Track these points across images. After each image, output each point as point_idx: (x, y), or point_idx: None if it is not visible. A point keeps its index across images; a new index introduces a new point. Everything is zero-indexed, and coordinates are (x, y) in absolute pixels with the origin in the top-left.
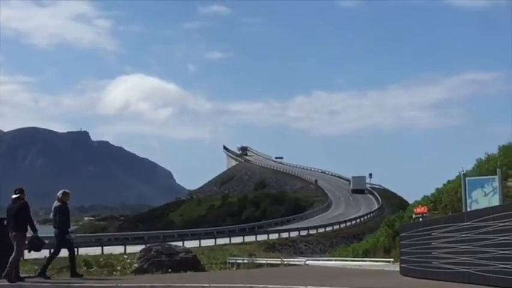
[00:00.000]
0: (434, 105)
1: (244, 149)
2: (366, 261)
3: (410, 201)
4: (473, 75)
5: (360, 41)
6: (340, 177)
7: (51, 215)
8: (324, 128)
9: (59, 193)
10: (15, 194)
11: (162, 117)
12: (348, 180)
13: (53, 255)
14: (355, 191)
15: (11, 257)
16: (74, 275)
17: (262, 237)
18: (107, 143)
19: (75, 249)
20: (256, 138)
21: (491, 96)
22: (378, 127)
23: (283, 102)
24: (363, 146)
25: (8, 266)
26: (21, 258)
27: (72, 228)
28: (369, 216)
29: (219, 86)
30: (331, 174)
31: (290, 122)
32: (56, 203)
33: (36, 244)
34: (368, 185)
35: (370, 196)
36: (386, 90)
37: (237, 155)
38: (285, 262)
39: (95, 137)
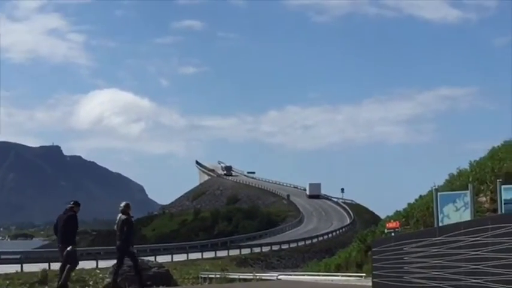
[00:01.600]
0: (406, 121)
1: (229, 169)
2: (338, 275)
3: (383, 216)
4: (446, 90)
5: (333, 56)
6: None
7: (115, 227)
8: (297, 143)
9: (122, 205)
10: (70, 204)
11: (135, 132)
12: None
13: (119, 268)
14: (311, 197)
15: (67, 268)
16: (142, 286)
17: (234, 252)
18: (79, 157)
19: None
20: (229, 153)
21: (464, 111)
22: (351, 142)
23: (256, 117)
24: (335, 161)
25: (64, 276)
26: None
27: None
28: (341, 231)
29: (193, 101)
30: (303, 189)
31: (263, 137)
32: (121, 216)
33: (72, 258)
34: (340, 200)
35: (342, 211)
36: (360, 105)
37: (221, 175)
38: (257, 277)
39: (67, 151)
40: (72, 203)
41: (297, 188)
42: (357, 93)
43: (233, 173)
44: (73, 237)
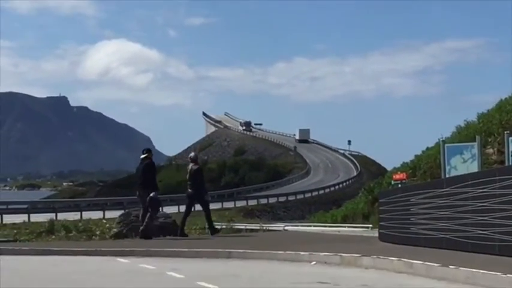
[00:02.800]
0: (415, 73)
1: (248, 124)
2: (344, 227)
3: (389, 168)
4: (454, 42)
5: (341, 8)
6: (319, 143)
7: (186, 176)
8: (305, 95)
9: (193, 155)
10: (143, 154)
11: (142, 83)
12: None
13: (187, 215)
14: (301, 141)
15: (148, 215)
16: (213, 232)
17: (241, 204)
18: (86, 108)
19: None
20: (236, 105)
21: (472, 64)
22: (358, 94)
23: (263, 69)
24: (343, 113)
25: (144, 223)
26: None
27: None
28: (347, 182)
29: (200, 52)
30: (313, 142)
31: (270, 89)
32: (193, 166)
33: (155, 203)
34: (347, 152)
35: (349, 163)
36: (367, 57)
37: (242, 131)
38: (264, 227)
39: (74, 102)
40: (145, 151)
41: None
42: (364, 45)
43: (252, 129)
44: (154, 184)
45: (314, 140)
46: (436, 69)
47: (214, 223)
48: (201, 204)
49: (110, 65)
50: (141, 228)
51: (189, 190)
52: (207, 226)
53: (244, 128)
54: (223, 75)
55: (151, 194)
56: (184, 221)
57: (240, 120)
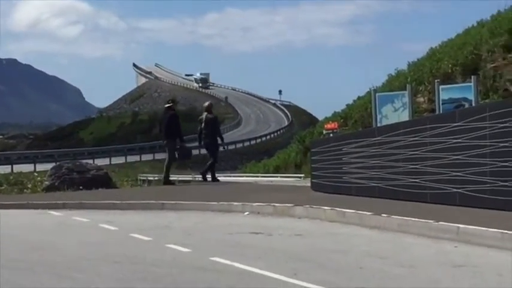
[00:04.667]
0: (346, 22)
1: (205, 81)
2: (277, 176)
3: (320, 118)
4: None
5: None
6: (250, 94)
7: (202, 126)
8: (236, 45)
9: (207, 104)
10: (168, 103)
11: (73, 34)
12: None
13: (214, 163)
14: (202, 87)
15: (165, 163)
16: (214, 179)
17: None
18: (15, 60)
19: None
20: (168, 56)
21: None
22: (290, 44)
23: (195, 19)
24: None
25: (164, 170)
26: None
27: None
28: (278, 132)
29: (131, 3)
30: (242, 91)
31: (202, 39)
32: (207, 115)
33: (185, 153)
34: (278, 102)
35: (280, 113)
36: (298, 6)
37: (199, 87)
38: (197, 179)
39: (2, 54)
40: (170, 101)
41: (234, 90)
42: None
43: (210, 86)
44: (180, 134)
45: (213, 84)
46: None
47: (146, 175)
48: (213, 152)
49: (40, 16)
50: (201, 171)
51: (206, 140)
52: (208, 175)
53: (200, 85)
54: (154, 26)
55: (182, 144)
56: (212, 171)
57: (195, 76)
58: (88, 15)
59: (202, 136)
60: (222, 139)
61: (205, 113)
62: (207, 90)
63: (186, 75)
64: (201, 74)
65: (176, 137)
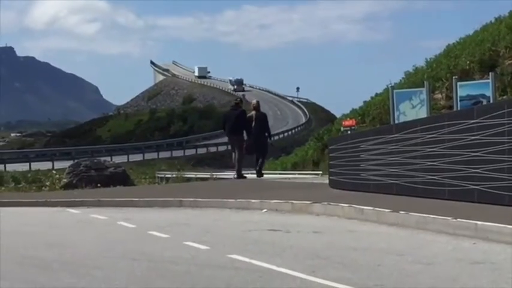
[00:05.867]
0: (363, 19)
1: (239, 83)
2: (295, 174)
3: (338, 115)
4: None
5: None
6: (268, 91)
7: (253, 124)
8: (254, 42)
9: (256, 103)
10: (236, 101)
11: (90, 32)
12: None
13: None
14: (200, 77)
15: (237, 158)
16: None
17: (190, 152)
18: (33, 58)
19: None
20: (185, 53)
21: (419, 10)
22: (307, 41)
23: (212, 16)
24: (291, 60)
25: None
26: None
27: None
28: (296, 129)
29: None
30: (259, 89)
31: (219, 36)
32: (256, 113)
33: (251, 148)
34: (295, 99)
35: (297, 110)
36: (315, 3)
37: (233, 90)
38: (214, 176)
39: (20, 52)
40: (238, 100)
41: (252, 87)
42: None
43: (245, 88)
44: (249, 129)
45: (211, 76)
46: (384, 15)
47: (164, 172)
48: (263, 149)
49: (58, 14)
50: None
51: (255, 137)
52: (256, 169)
53: (235, 87)
54: (172, 23)
55: (268, 141)
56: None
57: (230, 78)
58: (106, 13)
59: (253, 134)
60: (270, 136)
61: (253, 111)
62: (223, 87)
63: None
64: (199, 68)
65: (243, 133)
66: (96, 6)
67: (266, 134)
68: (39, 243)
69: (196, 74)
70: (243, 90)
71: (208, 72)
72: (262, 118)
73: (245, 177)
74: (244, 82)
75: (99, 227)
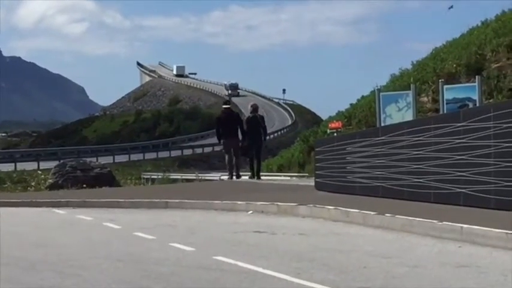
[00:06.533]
0: (351, 21)
1: (234, 88)
2: (280, 176)
3: (324, 117)
4: None
5: None
6: (254, 93)
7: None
8: (240, 44)
9: (255, 104)
10: (226, 104)
11: (77, 32)
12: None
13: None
14: (177, 76)
15: (235, 160)
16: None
17: (176, 153)
18: (19, 58)
19: None
20: (172, 54)
21: (407, 12)
22: (294, 43)
23: (199, 17)
24: (278, 62)
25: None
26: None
27: None
28: (282, 131)
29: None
30: (245, 90)
31: (206, 37)
32: (256, 114)
33: (248, 150)
34: (281, 101)
35: (283, 112)
36: (304, 4)
37: (228, 95)
38: (200, 177)
39: (7, 52)
40: (228, 103)
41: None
42: None
43: (240, 93)
44: (245, 132)
45: (190, 73)
46: (372, 17)
47: (150, 173)
48: (259, 151)
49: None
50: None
51: (251, 139)
52: (254, 171)
53: (229, 92)
54: (158, 24)
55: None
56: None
57: (225, 83)
58: (93, 13)
59: (250, 135)
60: (265, 138)
61: (251, 114)
62: (209, 88)
63: (190, 73)
64: (177, 66)
65: (238, 135)
66: (83, 6)
67: (263, 137)
68: (24, 243)
69: (175, 72)
70: (238, 95)
71: (195, 73)
72: (260, 120)
73: (240, 176)
74: (239, 86)
75: (84, 227)
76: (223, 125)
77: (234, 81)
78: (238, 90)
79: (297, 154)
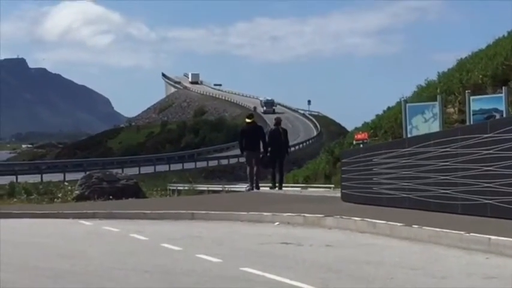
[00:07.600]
0: (375, 32)
1: (270, 104)
2: (306, 187)
3: (350, 128)
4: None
5: None
6: (279, 104)
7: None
8: (265, 55)
9: (278, 118)
10: (250, 117)
11: (103, 44)
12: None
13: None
14: (192, 83)
15: (255, 172)
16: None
17: (201, 164)
18: (44, 70)
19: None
20: (197, 65)
21: (432, 23)
22: (319, 54)
23: (224, 28)
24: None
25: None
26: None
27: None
28: (307, 143)
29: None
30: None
31: (231, 49)
32: (279, 127)
33: (269, 162)
34: (307, 112)
35: (309, 123)
36: (328, 16)
37: (263, 112)
38: (226, 188)
39: (32, 64)
40: (252, 116)
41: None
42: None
43: (275, 109)
44: (267, 144)
45: (202, 82)
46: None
47: (176, 184)
48: (282, 163)
49: (71, 25)
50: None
51: (275, 150)
52: (277, 184)
53: (265, 108)
54: (183, 35)
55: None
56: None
57: (261, 99)
58: (119, 25)
59: (273, 148)
60: (287, 151)
61: (274, 126)
62: (235, 99)
63: (215, 84)
64: (192, 74)
65: (260, 148)
66: (109, 18)
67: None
68: (51, 254)
69: (190, 79)
70: (274, 112)
71: (220, 84)
72: (285, 133)
73: (259, 188)
74: (274, 103)
75: (111, 239)
76: (247, 137)
77: (269, 98)
78: (274, 107)
79: (323, 165)
